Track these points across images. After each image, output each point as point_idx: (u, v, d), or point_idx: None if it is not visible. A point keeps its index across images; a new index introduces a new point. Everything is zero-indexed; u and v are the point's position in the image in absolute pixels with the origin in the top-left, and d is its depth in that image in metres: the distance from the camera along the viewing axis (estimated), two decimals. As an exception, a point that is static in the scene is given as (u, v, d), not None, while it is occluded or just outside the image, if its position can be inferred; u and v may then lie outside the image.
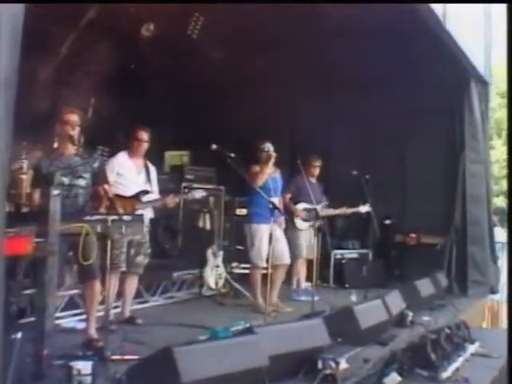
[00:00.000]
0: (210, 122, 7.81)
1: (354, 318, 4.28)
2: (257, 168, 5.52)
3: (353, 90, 7.38)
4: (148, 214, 4.84)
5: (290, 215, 6.23)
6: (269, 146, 5.59)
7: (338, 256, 7.59)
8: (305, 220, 6.36)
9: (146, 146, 4.84)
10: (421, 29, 5.59)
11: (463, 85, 7.20)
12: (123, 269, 4.60)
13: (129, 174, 4.78)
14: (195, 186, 6.60)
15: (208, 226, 6.67)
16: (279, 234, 5.59)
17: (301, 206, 6.38)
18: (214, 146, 4.82)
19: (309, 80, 7.48)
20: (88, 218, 3.64)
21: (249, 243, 5.58)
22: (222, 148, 4.85)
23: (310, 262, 6.24)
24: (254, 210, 5.56)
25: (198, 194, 5.18)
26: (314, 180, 6.59)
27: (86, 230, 3.55)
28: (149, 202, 4.81)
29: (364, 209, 6.60)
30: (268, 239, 5.33)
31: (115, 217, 3.72)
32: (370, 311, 4.54)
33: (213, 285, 6.18)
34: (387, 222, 7.72)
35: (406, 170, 7.84)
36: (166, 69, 6.83)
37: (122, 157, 4.83)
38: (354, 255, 7.68)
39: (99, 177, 4.05)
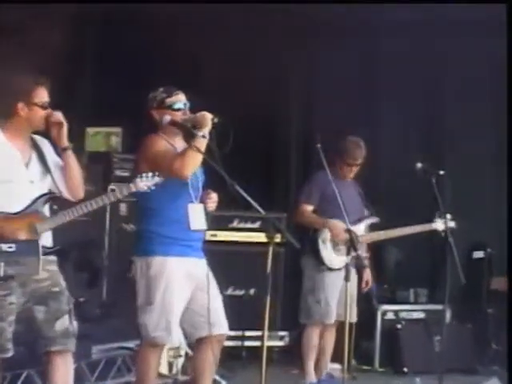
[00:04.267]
0: (161, 78, 7.82)
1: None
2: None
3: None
4: (47, 239, 4.63)
5: (312, 242, 6.29)
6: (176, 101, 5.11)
7: (390, 316, 7.69)
8: (339, 251, 6.34)
9: (43, 115, 4.58)
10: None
11: None
12: (9, 353, 4.43)
13: (11, 166, 4.53)
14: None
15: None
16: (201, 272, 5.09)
17: None
18: (168, 118, 4.92)
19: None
20: None
21: None
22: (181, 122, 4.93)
23: (339, 328, 6.28)
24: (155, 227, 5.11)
25: (136, 187, 4.73)
26: (348, 180, 6.59)
27: None
28: (59, 215, 4.58)
29: (440, 225, 6.51)
30: (185, 288, 5.01)
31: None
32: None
33: (163, 368, 6.20)
34: (479, 255, 7.87)
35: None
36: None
37: None
38: (419, 315, 7.78)
39: None
